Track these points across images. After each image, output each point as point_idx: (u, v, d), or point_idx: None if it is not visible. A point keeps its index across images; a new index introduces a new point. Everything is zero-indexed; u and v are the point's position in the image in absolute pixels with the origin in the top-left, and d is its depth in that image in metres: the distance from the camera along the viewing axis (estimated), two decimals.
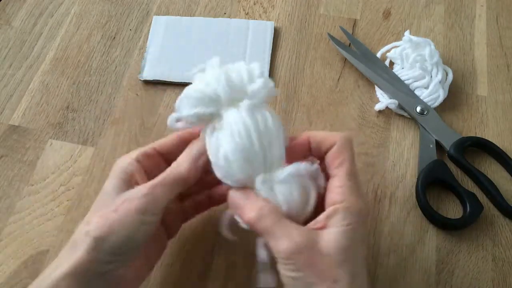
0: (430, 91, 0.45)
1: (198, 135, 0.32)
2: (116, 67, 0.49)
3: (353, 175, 0.29)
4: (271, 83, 0.31)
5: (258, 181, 0.29)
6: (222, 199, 0.33)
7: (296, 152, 0.31)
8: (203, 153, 0.31)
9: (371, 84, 0.47)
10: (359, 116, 0.46)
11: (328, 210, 0.28)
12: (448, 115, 0.45)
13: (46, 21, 0.52)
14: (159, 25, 0.51)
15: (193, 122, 0.31)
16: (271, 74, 0.48)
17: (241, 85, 0.31)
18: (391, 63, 0.49)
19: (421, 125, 0.44)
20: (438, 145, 0.43)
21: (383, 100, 0.46)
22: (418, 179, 0.41)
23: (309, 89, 0.47)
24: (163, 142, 0.33)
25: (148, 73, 0.47)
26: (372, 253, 0.39)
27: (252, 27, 0.50)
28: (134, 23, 0.52)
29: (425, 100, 0.45)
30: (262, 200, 0.29)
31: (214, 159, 0.30)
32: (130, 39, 0.51)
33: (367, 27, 0.51)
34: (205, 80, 0.31)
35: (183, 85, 0.45)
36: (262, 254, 0.30)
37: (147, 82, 0.48)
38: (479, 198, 0.40)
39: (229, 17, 0.52)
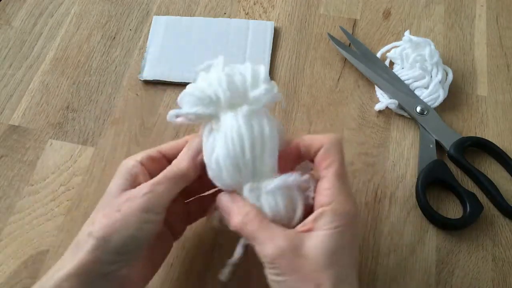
0: (430, 91, 0.45)
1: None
2: (116, 67, 0.49)
3: (341, 177, 0.29)
4: (275, 89, 0.31)
5: (246, 189, 0.30)
6: None
7: (287, 158, 0.31)
8: (201, 149, 0.31)
9: (371, 84, 0.47)
10: (359, 116, 0.46)
11: (315, 212, 0.28)
12: (448, 115, 0.45)
13: (46, 21, 0.52)
14: (159, 25, 0.51)
15: (192, 119, 0.31)
16: (271, 74, 0.48)
17: (243, 89, 0.30)
18: (391, 63, 0.49)
19: (421, 125, 0.44)
20: (438, 145, 0.43)
21: (383, 100, 0.46)
22: (418, 179, 0.41)
23: (309, 89, 0.47)
24: (170, 146, 0.33)
25: (148, 73, 0.47)
26: (372, 253, 0.39)
27: (252, 27, 0.50)
28: (134, 23, 0.52)
29: (425, 100, 0.45)
30: (249, 205, 0.29)
31: (207, 160, 0.30)
32: (130, 39, 0.51)
33: (367, 27, 0.51)
34: (208, 80, 0.31)
35: (183, 85, 0.45)
36: (237, 253, 0.31)
37: (147, 82, 0.48)
38: (479, 198, 0.40)
39: (229, 17, 0.52)
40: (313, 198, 0.30)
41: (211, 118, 0.30)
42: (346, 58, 0.48)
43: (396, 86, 0.46)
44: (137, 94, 0.47)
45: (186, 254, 0.38)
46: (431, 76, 0.46)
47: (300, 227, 0.28)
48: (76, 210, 0.41)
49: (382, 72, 0.47)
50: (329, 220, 0.27)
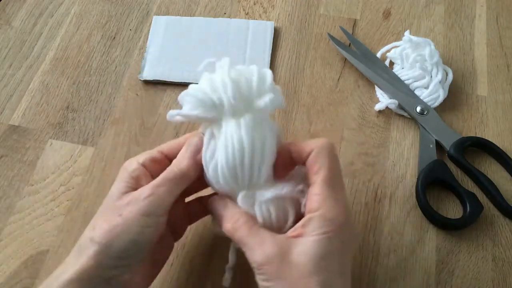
0: (430, 91, 0.45)
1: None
2: (116, 67, 0.49)
3: (330, 182, 0.28)
4: (280, 97, 0.31)
5: (240, 196, 0.30)
6: None
7: (279, 163, 0.31)
8: (201, 148, 0.31)
9: (371, 84, 0.47)
10: (359, 116, 0.46)
11: (304, 218, 0.28)
12: (448, 115, 0.45)
13: (46, 21, 0.52)
14: (159, 25, 0.51)
15: (192, 120, 0.31)
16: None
17: (248, 96, 0.30)
18: (391, 63, 0.49)
19: (421, 125, 0.44)
20: (438, 145, 0.43)
21: (383, 100, 0.46)
22: (418, 179, 0.41)
23: (309, 89, 0.47)
24: (171, 145, 0.33)
25: (148, 73, 0.47)
26: (372, 253, 0.39)
27: (252, 27, 0.50)
28: (134, 23, 0.52)
29: (425, 100, 0.45)
30: (240, 211, 0.29)
31: (206, 164, 0.30)
32: (130, 39, 0.51)
33: (367, 27, 0.51)
34: (213, 83, 0.30)
35: (183, 85, 0.45)
36: (231, 259, 0.32)
37: (147, 82, 0.48)
38: (479, 198, 0.40)
39: (229, 17, 0.52)
40: (305, 205, 0.29)
41: (212, 122, 0.30)
42: (346, 58, 0.48)
43: (396, 86, 0.46)
44: (137, 94, 0.47)
45: (186, 254, 0.38)
46: (431, 76, 0.46)
47: (290, 232, 0.28)
48: (76, 210, 0.41)
49: (382, 72, 0.47)
50: (317, 226, 0.27)
